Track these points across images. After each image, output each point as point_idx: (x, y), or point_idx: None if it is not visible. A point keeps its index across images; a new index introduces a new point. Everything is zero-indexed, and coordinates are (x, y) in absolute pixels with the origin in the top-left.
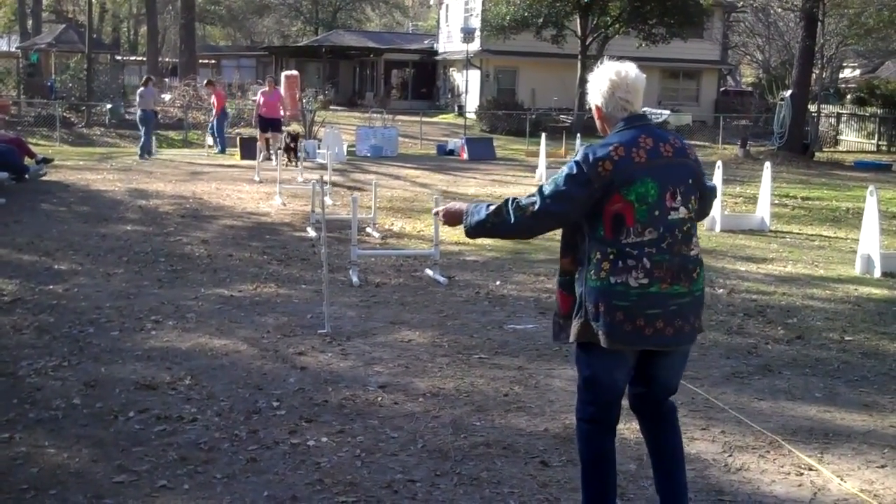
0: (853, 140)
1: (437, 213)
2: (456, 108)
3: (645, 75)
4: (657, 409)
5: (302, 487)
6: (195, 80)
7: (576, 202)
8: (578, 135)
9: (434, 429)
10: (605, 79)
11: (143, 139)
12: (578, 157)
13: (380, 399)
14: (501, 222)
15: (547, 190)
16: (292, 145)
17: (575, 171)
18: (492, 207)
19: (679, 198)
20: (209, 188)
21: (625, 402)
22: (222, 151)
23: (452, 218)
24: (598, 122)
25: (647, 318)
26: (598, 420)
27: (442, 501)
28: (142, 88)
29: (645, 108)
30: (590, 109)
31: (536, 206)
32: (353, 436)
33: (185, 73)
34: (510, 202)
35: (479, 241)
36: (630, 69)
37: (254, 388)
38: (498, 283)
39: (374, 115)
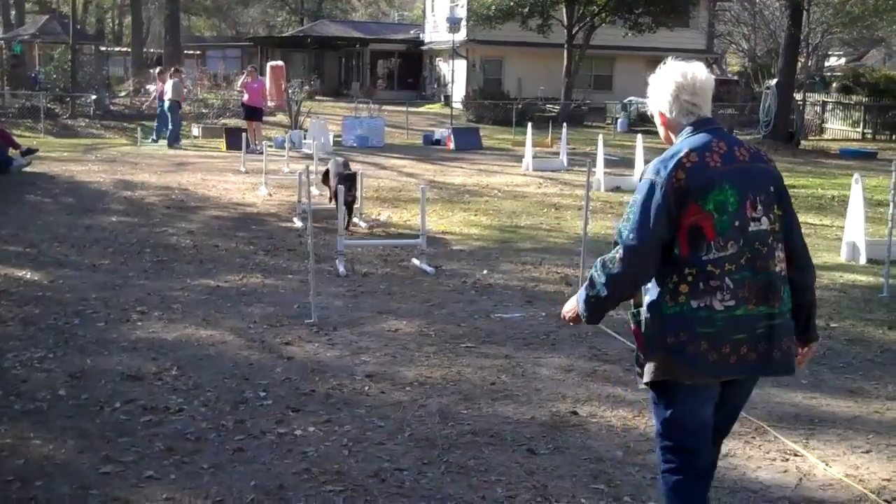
0: (838, 128)
1: (563, 319)
2: (442, 98)
3: (714, 76)
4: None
5: (289, 477)
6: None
7: (663, 219)
8: (565, 124)
9: (421, 417)
10: (670, 81)
11: (170, 129)
12: (649, 175)
13: (367, 388)
14: (600, 286)
15: (626, 227)
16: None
17: (647, 190)
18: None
19: (760, 207)
20: (195, 179)
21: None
22: (157, 140)
23: (574, 313)
24: (661, 130)
25: (732, 345)
26: (686, 469)
27: (429, 490)
28: (170, 80)
29: (631, 98)
30: (652, 116)
31: (620, 252)
32: (340, 425)
33: (169, 64)
34: (596, 266)
35: (466, 229)
36: (698, 70)
37: (240, 378)
38: (485, 272)
39: (361, 105)
